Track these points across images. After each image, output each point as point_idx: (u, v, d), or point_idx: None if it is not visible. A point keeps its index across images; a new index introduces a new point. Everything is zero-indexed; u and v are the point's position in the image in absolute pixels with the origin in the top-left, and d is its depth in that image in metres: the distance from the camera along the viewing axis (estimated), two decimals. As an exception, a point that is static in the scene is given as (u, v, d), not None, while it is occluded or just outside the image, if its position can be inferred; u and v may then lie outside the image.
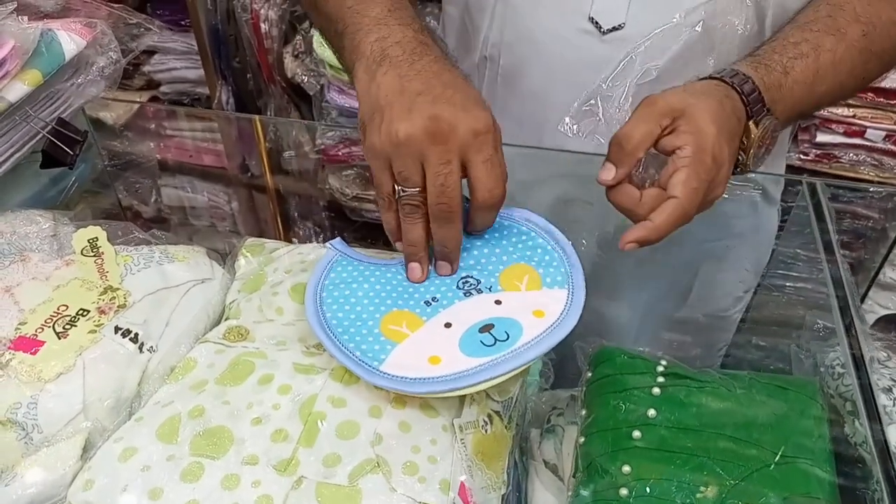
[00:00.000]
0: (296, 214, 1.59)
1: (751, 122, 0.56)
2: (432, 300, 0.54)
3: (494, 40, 0.75)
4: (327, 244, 0.60)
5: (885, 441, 0.49)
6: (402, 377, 0.49)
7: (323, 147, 1.55)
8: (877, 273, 1.42)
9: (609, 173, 0.55)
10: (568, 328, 0.51)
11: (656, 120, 0.54)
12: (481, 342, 0.50)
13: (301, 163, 1.53)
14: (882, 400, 0.53)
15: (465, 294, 0.54)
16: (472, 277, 0.55)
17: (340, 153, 1.54)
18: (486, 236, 0.58)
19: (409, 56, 0.54)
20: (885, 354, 0.59)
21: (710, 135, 0.53)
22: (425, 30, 0.59)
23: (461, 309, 0.53)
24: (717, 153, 0.53)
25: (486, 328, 0.51)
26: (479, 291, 0.54)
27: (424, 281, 0.55)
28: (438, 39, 0.61)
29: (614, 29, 0.68)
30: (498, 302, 0.53)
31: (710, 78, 0.58)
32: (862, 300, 1.45)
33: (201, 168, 1.60)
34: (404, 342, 0.52)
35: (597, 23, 0.69)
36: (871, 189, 1.31)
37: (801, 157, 1.34)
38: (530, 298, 0.53)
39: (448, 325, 0.52)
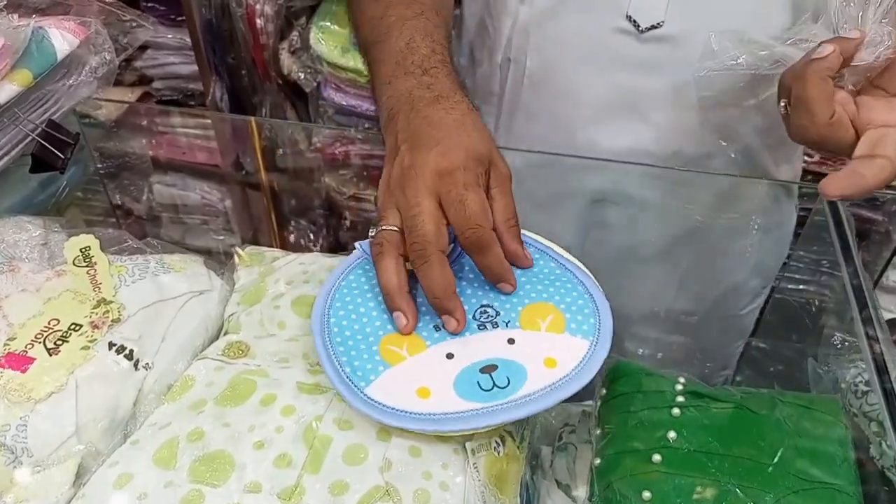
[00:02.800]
0: (290, 213, 1.56)
1: None
2: (443, 326, 0.51)
3: (519, 42, 0.74)
4: (356, 244, 0.56)
5: (915, 465, 0.48)
6: (382, 405, 0.47)
7: (319, 145, 1.52)
8: (880, 276, 1.41)
9: (827, 48, 0.51)
10: (577, 386, 0.46)
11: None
12: (478, 384, 0.47)
13: (296, 161, 1.50)
14: (909, 421, 0.51)
15: (478, 326, 0.51)
16: (491, 308, 0.52)
17: (337, 151, 1.52)
18: (517, 269, 0.54)
19: (406, 112, 0.55)
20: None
21: None
22: (434, 61, 0.59)
23: (470, 341, 0.50)
24: None
25: (488, 369, 0.48)
26: (495, 325, 0.50)
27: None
28: (448, 62, 0.60)
29: (652, 27, 0.67)
30: (511, 341, 0.49)
31: None
32: (865, 303, 1.44)
33: (194, 166, 1.58)
34: (399, 365, 0.49)
35: (634, 21, 0.67)
36: (875, 192, 1.30)
37: (807, 158, 1.32)
38: (547, 342, 0.49)
39: (450, 356, 0.49)
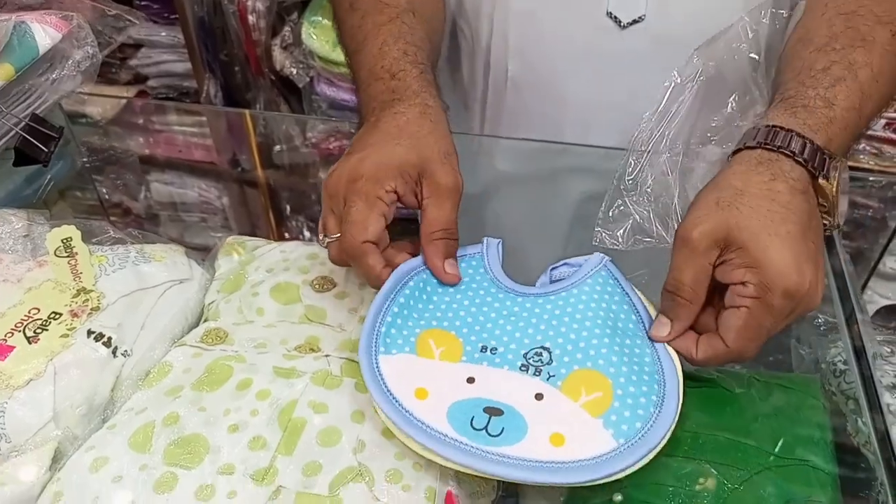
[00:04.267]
0: (288, 209, 1.57)
1: (820, 181, 0.47)
2: (490, 350, 0.48)
3: (499, 46, 0.74)
4: (486, 239, 0.56)
5: (889, 440, 0.48)
6: (380, 377, 0.46)
7: (314, 140, 1.52)
8: (877, 263, 1.41)
9: (664, 329, 0.48)
10: (561, 479, 0.41)
11: (702, 258, 0.46)
12: (472, 419, 0.44)
13: (292, 157, 1.51)
14: (886, 398, 0.51)
15: (521, 367, 0.47)
16: (548, 353, 0.48)
17: (332, 146, 1.52)
18: (611, 329, 0.49)
19: (368, 118, 0.56)
20: (889, 350, 0.57)
21: (779, 266, 0.44)
22: (404, 63, 0.58)
23: (500, 376, 0.47)
24: (789, 284, 0.43)
25: (493, 411, 0.44)
26: (538, 373, 0.47)
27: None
28: (420, 61, 0.59)
29: (634, 22, 0.66)
30: (539, 396, 0.45)
31: (745, 148, 0.49)
32: (862, 290, 1.43)
33: (191, 163, 1.58)
34: (423, 359, 0.48)
35: (616, 17, 0.66)
36: (870, 178, 1.29)
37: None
38: (573, 418, 0.44)
39: (470, 381, 0.47)
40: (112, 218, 1.13)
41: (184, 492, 0.43)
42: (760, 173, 0.47)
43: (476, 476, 0.48)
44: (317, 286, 0.59)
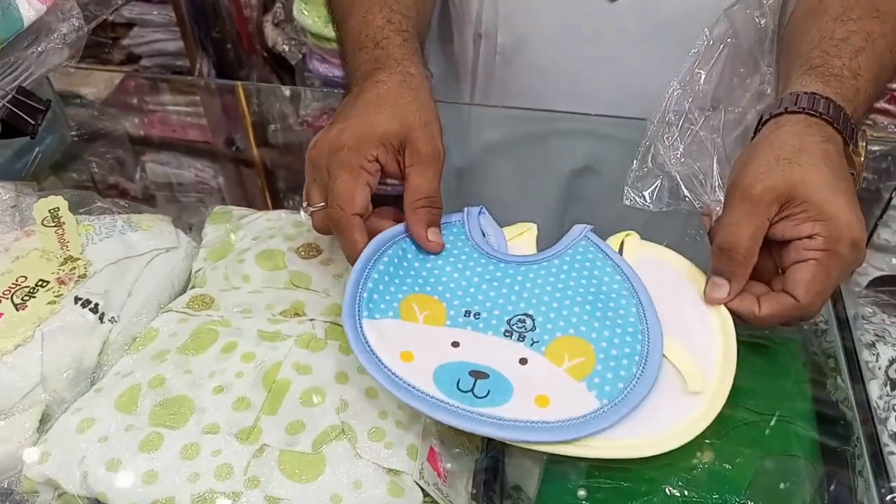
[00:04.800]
0: (284, 187, 1.57)
1: (850, 150, 0.48)
2: (474, 315, 0.49)
3: (488, 17, 0.73)
4: (466, 208, 0.56)
5: (867, 397, 0.48)
6: (364, 341, 0.46)
7: (307, 118, 1.52)
8: (871, 234, 1.41)
9: (721, 291, 0.47)
10: (548, 437, 0.42)
11: (763, 213, 0.46)
12: (457, 381, 0.44)
13: (286, 135, 1.51)
14: (865, 356, 0.52)
15: (505, 332, 0.48)
16: (531, 320, 0.48)
17: (325, 123, 1.52)
18: (593, 295, 0.50)
19: (352, 88, 0.56)
20: (871, 310, 0.58)
21: (846, 218, 0.44)
22: (388, 31, 0.58)
23: (484, 341, 0.47)
24: (857, 236, 0.44)
25: (479, 374, 0.45)
26: (521, 339, 0.47)
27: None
28: (403, 29, 0.59)
29: None
30: (523, 361, 0.46)
31: (787, 112, 0.49)
32: (856, 262, 1.44)
33: (186, 143, 1.58)
34: (407, 323, 0.48)
35: None
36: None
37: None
38: (557, 381, 0.45)
39: (455, 345, 0.47)
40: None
41: (169, 450, 0.44)
42: (813, 134, 0.48)
43: (459, 435, 0.49)
44: (302, 253, 0.59)
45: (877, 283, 1.38)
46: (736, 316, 0.48)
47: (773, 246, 0.47)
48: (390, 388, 0.44)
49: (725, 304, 0.48)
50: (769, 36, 0.57)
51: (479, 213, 0.57)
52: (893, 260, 1.45)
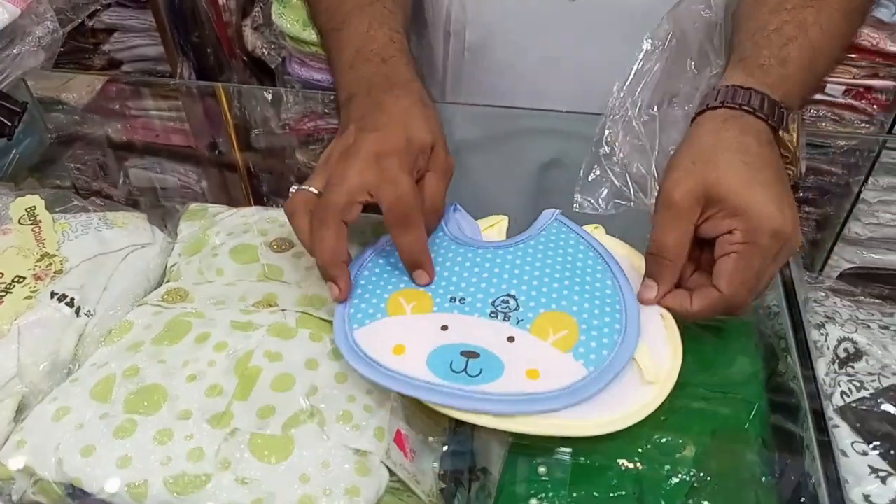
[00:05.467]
0: (267, 190, 1.58)
1: (781, 133, 0.50)
2: (459, 300, 0.51)
3: (457, 16, 0.75)
4: (454, 205, 0.58)
5: (814, 374, 0.50)
6: (357, 349, 0.48)
7: (289, 121, 1.53)
8: (842, 228, 1.44)
9: (650, 292, 0.50)
10: (540, 407, 0.44)
11: (685, 218, 0.48)
12: (450, 363, 0.46)
13: (269, 139, 1.52)
14: (814, 335, 0.54)
15: (490, 313, 0.50)
16: (514, 300, 0.50)
17: (307, 126, 1.53)
18: (570, 272, 0.52)
19: (363, 96, 0.56)
20: (824, 294, 0.60)
21: (763, 209, 0.46)
22: (393, 49, 0.59)
23: (471, 322, 0.49)
24: (776, 225, 0.46)
25: (470, 354, 0.47)
26: (507, 318, 0.49)
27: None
28: (406, 49, 0.60)
29: None
30: (511, 339, 0.48)
31: (708, 109, 0.51)
32: (828, 256, 1.47)
33: (169, 148, 1.59)
34: (396, 318, 0.50)
35: None
36: (832, 144, 1.31)
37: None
38: (545, 354, 0.47)
39: (444, 328, 0.49)
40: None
41: (142, 436, 0.46)
42: (729, 129, 0.50)
43: (426, 419, 0.51)
44: (275, 247, 0.61)
45: (852, 276, 1.41)
46: (673, 313, 0.50)
47: (707, 243, 0.50)
48: (389, 384, 0.46)
49: (661, 303, 0.50)
50: (717, 30, 0.59)
51: (454, 209, 0.59)
52: (865, 253, 1.49)
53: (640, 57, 0.59)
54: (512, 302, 0.51)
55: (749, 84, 0.51)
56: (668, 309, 0.50)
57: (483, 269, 0.53)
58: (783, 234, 0.46)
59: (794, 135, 0.50)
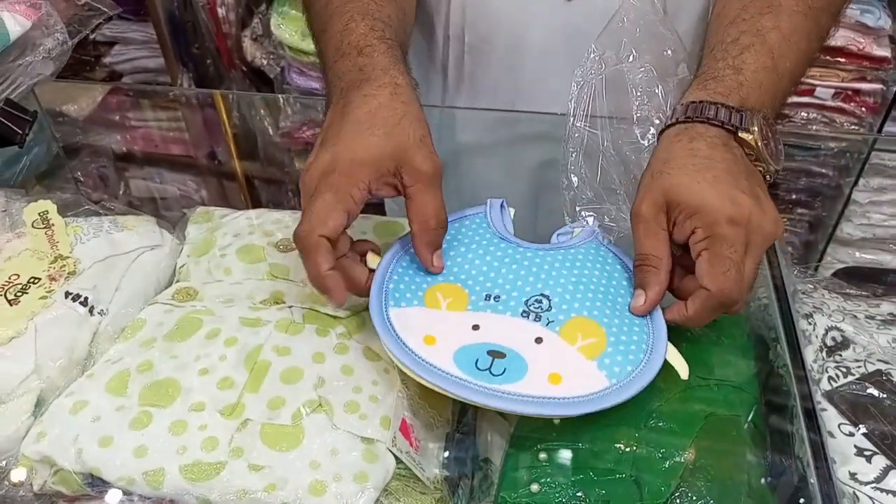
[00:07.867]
0: (267, 198, 1.60)
1: (741, 134, 0.52)
2: (494, 298, 0.52)
3: (455, 20, 0.77)
4: (489, 200, 0.59)
5: (803, 361, 0.52)
6: (391, 327, 0.49)
7: (287, 130, 1.56)
8: (834, 229, 1.46)
9: (639, 300, 0.51)
10: (559, 411, 0.45)
11: (656, 227, 0.51)
12: (476, 361, 0.48)
13: (267, 147, 1.54)
14: (802, 325, 0.56)
15: (522, 312, 0.51)
16: (548, 301, 0.51)
17: (305, 135, 1.55)
18: (605, 284, 0.53)
19: (337, 98, 0.55)
20: (812, 286, 0.62)
21: (714, 202, 0.48)
22: (371, 38, 0.57)
23: (503, 322, 0.50)
24: (730, 213, 0.48)
25: (496, 354, 0.48)
26: (538, 319, 0.50)
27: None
28: (387, 37, 0.58)
29: None
30: (539, 340, 0.49)
31: (667, 128, 0.54)
32: (821, 256, 1.49)
33: (169, 158, 1.61)
34: (431, 310, 0.51)
35: None
36: (822, 147, 1.34)
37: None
38: (570, 359, 0.48)
39: (475, 328, 0.50)
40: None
41: (158, 427, 0.47)
42: (680, 140, 0.53)
43: (430, 409, 0.53)
44: (281, 247, 0.63)
45: (842, 275, 1.43)
46: (674, 325, 0.51)
47: (685, 250, 0.52)
48: (413, 367, 0.47)
49: (660, 314, 0.51)
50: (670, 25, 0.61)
51: (501, 206, 0.60)
52: (857, 253, 1.52)
53: (576, 92, 0.61)
54: (545, 302, 0.51)
55: (702, 98, 0.54)
56: (670, 322, 0.51)
57: (521, 266, 0.54)
58: (741, 220, 0.48)
59: (755, 133, 0.52)
